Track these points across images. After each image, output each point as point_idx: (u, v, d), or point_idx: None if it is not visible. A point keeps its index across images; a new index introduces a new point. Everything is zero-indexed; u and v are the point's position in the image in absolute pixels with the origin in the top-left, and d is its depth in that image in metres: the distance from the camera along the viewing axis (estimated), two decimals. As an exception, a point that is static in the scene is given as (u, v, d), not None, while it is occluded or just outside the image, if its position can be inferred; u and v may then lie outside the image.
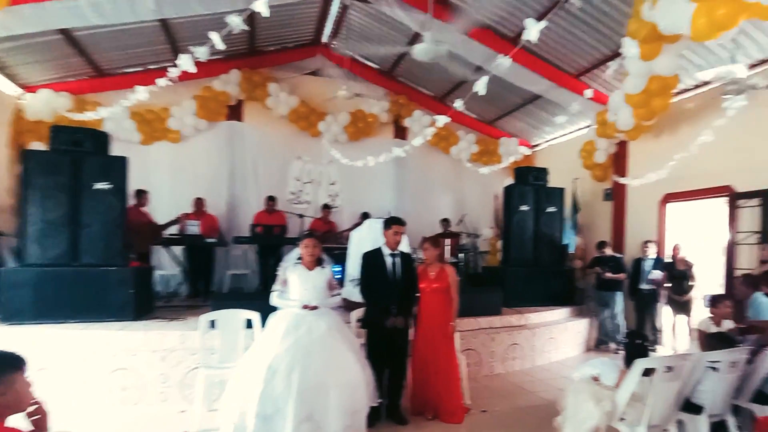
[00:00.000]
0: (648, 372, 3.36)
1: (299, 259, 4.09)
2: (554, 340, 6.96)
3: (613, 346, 7.36)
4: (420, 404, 4.66)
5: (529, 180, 7.98)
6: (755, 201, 6.24)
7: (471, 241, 9.82)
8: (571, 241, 8.75)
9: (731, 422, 3.69)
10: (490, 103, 9.78)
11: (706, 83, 6.75)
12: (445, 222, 9.69)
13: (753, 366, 3.71)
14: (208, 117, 9.21)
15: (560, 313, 7.49)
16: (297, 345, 3.62)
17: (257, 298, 4.78)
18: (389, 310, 4.33)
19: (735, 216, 6.54)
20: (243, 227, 8.76)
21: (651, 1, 4.74)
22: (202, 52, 4.32)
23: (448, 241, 7.86)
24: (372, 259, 4.51)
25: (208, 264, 8.17)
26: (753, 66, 6.03)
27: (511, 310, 7.05)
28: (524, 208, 7.78)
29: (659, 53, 5.42)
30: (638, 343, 3.72)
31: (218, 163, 9.39)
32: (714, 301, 4.51)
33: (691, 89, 7.13)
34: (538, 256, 7.82)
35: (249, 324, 4.48)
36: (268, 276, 6.97)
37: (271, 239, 7.59)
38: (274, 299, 4.04)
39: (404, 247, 4.85)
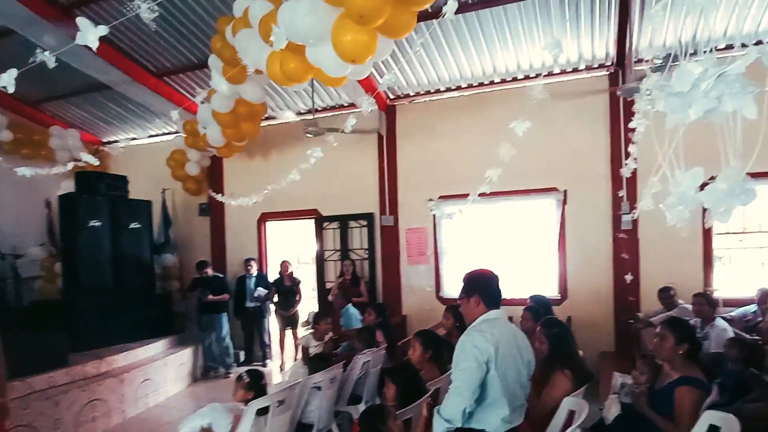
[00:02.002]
0: (262, 411, 3.12)
1: None
2: (152, 381, 5.96)
3: (222, 370, 7.06)
4: None
5: (100, 189, 6.52)
6: (336, 224, 7.49)
7: (7, 264, 7.40)
8: (165, 260, 7.97)
9: (334, 429, 3.95)
10: (35, 79, 6.94)
11: (297, 113, 7.59)
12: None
13: (347, 373, 4.12)
14: None
15: (157, 346, 6.52)
16: None
17: None
18: None
19: (322, 236, 7.57)
20: None
21: (231, 28, 4.67)
22: None
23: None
24: None
25: None
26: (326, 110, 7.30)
27: (84, 355, 5.52)
28: (95, 223, 6.29)
29: (245, 79, 5.38)
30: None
31: None
32: (316, 319, 4.85)
33: (279, 118, 7.74)
34: (120, 281, 6.51)
35: None
36: None
37: None
38: None
39: None
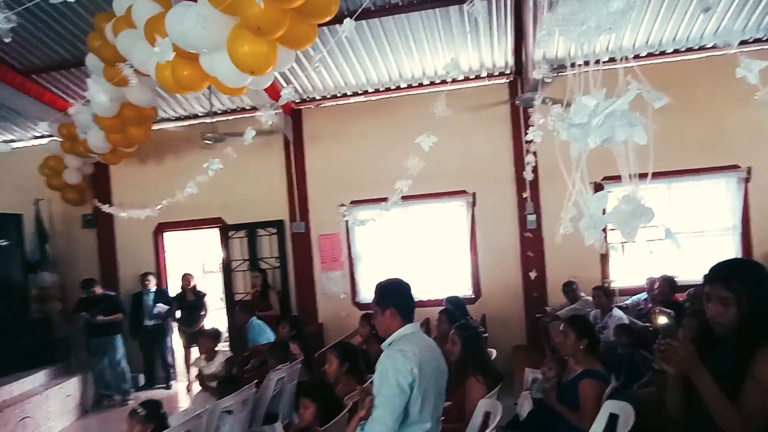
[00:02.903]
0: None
1: None
2: (32, 419, 5.30)
3: (119, 398, 6.47)
4: None
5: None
6: (243, 233, 7.18)
7: None
8: (42, 279, 7.11)
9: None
10: None
11: (194, 115, 7.15)
12: None
13: (260, 392, 3.95)
14: None
15: (36, 378, 5.81)
16: None
17: None
18: None
19: (228, 245, 7.21)
20: None
21: (111, 27, 4.27)
22: None
23: None
24: None
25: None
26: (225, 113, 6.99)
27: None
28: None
29: (129, 82, 4.94)
30: None
31: None
32: (199, 339, 4.66)
33: (173, 120, 7.25)
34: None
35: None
36: None
37: None
38: None
39: None
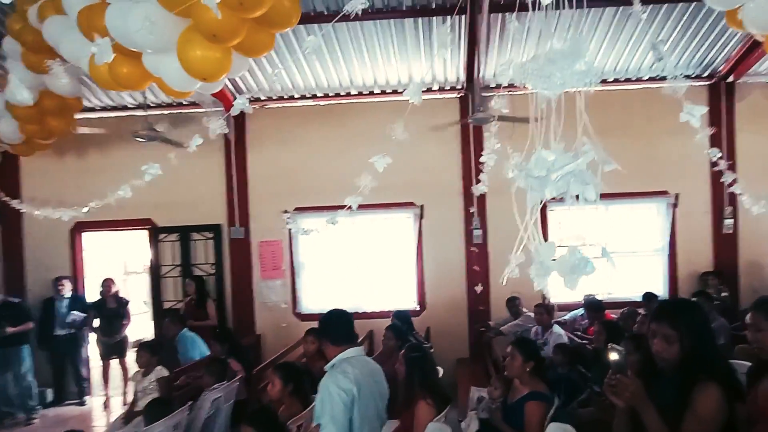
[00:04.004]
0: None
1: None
2: None
3: (23, 416, 6.03)
4: None
5: None
6: (175, 236, 6.88)
7: None
8: None
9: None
10: None
11: (123, 107, 6.77)
12: None
13: (193, 413, 3.83)
14: None
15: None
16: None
17: None
18: None
19: (158, 248, 6.88)
20: None
21: (37, 11, 3.98)
22: None
23: None
24: None
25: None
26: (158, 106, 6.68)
27: None
28: None
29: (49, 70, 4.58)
30: None
31: None
32: (139, 351, 4.46)
33: (99, 110, 6.81)
34: None
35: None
36: None
37: None
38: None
39: None
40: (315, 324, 5.53)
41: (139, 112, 6.46)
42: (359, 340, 5.05)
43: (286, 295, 6.74)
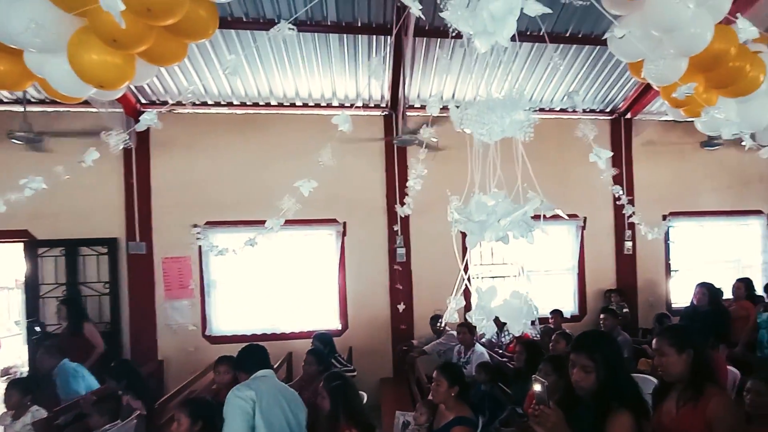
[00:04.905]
0: None
1: None
2: None
3: None
4: None
5: None
6: (59, 250, 6.19)
7: None
8: None
9: None
10: None
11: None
12: None
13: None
14: None
15: None
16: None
17: None
18: None
19: (36, 264, 6.17)
20: None
21: None
22: None
23: None
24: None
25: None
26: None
27: None
28: None
29: None
30: None
31: None
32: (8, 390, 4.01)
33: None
34: None
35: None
36: None
37: None
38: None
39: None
40: (228, 347, 5.38)
41: (17, 108, 5.76)
42: (276, 365, 4.92)
43: (195, 317, 6.34)
